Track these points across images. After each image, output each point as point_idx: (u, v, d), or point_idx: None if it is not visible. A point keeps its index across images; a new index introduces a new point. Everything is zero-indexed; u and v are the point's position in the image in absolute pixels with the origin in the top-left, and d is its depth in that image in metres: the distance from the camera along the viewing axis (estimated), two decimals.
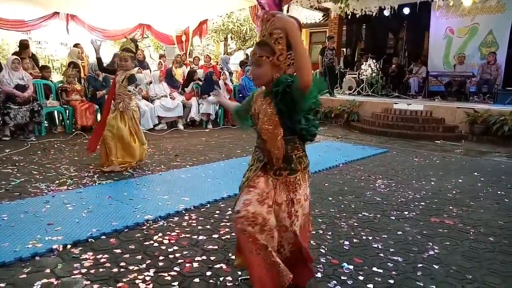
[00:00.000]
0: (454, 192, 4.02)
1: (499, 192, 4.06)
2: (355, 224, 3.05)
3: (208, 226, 2.89)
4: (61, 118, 7.05)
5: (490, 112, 7.26)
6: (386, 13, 10.36)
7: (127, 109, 4.36)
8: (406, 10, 10.67)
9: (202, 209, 3.25)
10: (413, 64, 10.65)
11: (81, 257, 2.33)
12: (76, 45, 8.89)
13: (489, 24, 9.76)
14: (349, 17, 11.28)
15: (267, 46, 1.61)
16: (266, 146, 1.72)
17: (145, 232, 2.75)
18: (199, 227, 2.86)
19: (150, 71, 8.72)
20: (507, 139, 6.85)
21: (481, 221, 3.20)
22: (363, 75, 10.83)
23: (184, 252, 2.45)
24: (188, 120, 8.19)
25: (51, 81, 7.13)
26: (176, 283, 2.08)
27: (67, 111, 6.81)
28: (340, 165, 5.07)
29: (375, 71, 10.72)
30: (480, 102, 8.72)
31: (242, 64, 10.39)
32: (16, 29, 9.27)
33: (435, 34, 10.82)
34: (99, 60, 4.51)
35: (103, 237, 2.63)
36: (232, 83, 9.27)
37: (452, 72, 9.73)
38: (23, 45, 7.55)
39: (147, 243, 2.58)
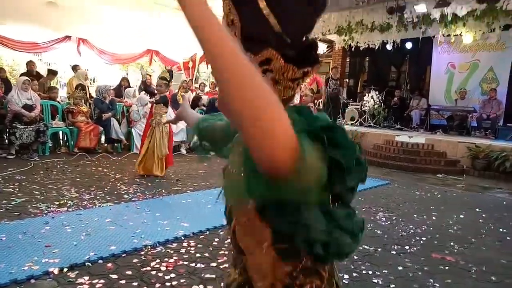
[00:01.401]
0: (455, 227, 3.98)
1: (501, 230, 4.02)
2: (355, 257, 3.01)
3: (207, 254, 2.86)
4: (65, 139, 7.12)
5: (491, 148, 7.28)
6: (389, 47, 10.59)
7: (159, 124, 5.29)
8: (409, 45, 10.92)
9: (201, 236, 3.23)
10: (413, 96, 10.79)
11: (77, 281, 2.30)
12: (75, 66, 9.07)
13: (490, 61, 9.95)
14: (353, 49, 11.53)
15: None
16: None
17: (143, 258, 2.72)
18: (198, 255, 2.84)
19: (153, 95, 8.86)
20: (509, 175, 6.83)
21: (483, 259, 3.15)
22: (366, 106, 10.95)
23: (181, 280, 2.42)
24: (191, 145, 8.23)
25: (58, 102, 7.26)
26: None
27: (72, 132, 6.89)
28: None
29: (378, 102, 10.84)
30: (482, 137, 8.75)
31: None
32: (28, 51, 9.53)
33: (437, 69, 11.02)
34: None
35: (100, 261, 2.61)
36: None
37: (454, 107, 9.83)
38: (52, 72, 7.96)
39: (144, 269, 2.55)
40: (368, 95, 11.02)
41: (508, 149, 7.02)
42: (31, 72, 7.93)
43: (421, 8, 8.62)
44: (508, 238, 3.77)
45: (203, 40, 0.47)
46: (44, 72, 9.14)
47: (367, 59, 13.36)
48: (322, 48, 14.78)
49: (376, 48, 10.73)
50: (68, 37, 9.61)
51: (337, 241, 0.64)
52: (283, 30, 0.65)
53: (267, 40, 0.65)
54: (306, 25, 0.69)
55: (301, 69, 0.69)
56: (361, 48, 11.09)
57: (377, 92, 10.95)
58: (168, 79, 5.46)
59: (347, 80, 13.08)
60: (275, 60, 0.66)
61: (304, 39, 0.69)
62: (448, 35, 9.57)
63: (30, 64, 8.10)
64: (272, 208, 0.65)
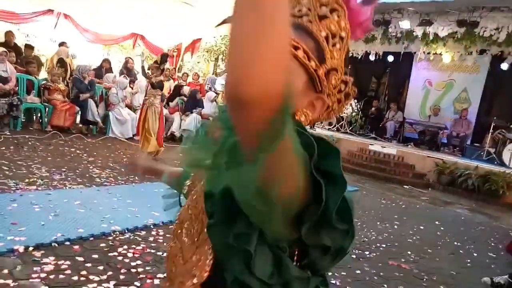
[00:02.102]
0: (414, 238, 4.20)
1: (455, 243, 4.27)
2: None
3: None
4: (39, 115, 6.94)
5: (457, 165, 7.64)
6: (372, 57, 10.87)
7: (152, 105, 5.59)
8: (390, 58, 11.23)
9: (170, 226, 3.27)
10: (390, 108, 11.14)
11: (42, 261, 2.31)
12: (62, 44, 8.82)
13: (464, 82, 10.39)
14: None
15: (309, 36, 0.62)
16: None
17: (110, 243, 2.75)
18: (165, 244, 2.89)
19: (134, 81, 8.75)
20: (470, 192, 7.21)
21: (435, 269, 3.36)
22: (344, 113, 11.21)
23: (147, 268, 2.47)
24: (169, 134, 8.21)
25: (35, 77, 7.06)
26: None
27: (46, 109, 6.72)
28: None
29: (356, 110, 11.12)
30: (450, 154, 9.15)
31: None
32: (7, 20, 9.17)
33: (414, 84, 11.40)
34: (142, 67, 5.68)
35: (67, 243, 2.62)
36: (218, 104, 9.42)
37: (427, 122, 10.22)
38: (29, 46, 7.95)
39: (111, 254, 2.58)
40: None
41: (472, 168, 7.39)
42: (8, 44, 7.66)
43: (405, 24, 8.91)
44: (461, 251, 4.02)
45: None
46: (21, 44, 8.84)
47: (349, 67, 13.57)
48: None
49: (359, 57, 10.99)
50: (50, 11, 9.30)
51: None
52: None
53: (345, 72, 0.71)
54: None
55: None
56: None
57: (356, 100, 11.22)
58: (159, 62, 5.70)
59: None
60: (349, 85, 0.72)
61: None
62: (428, 53, 9.92)
63: (9, 34, 7.80)
64: (218, 222, 0.54)
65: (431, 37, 9.17)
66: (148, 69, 5.93)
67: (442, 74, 10.79)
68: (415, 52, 10.29)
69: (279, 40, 0.37)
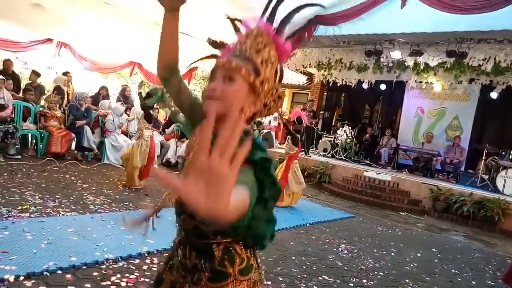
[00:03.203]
0: (411, 265, 4.16)
1: (453, 271, 4.23)
2: (315, 287, 3.10)
3: None
4: (34, 142, 6.93)
5: (452, 191, 7.66)
6: (365, 86, 11.11)
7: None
8: (383, 86, 11.48)
9: (165, 254, 3.22)
10: (385, 134, 11.28)
11: None
12: (65, 73, 8.98)
13: (456, 110, 10.61)
14: (331, 84, 12.00)
15: (249, 62, 1.03)
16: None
17: (104, 272, 2.70)
18: None
19: (131, 108, 8.82)
20: (465, 219, 7.20)
21: None
22: (339, 139, 11.31)
23: None
24: (164, 160, 8.20)
25: (32, 104, 7.10)
26: None
27: (42, 135, 6.72)
28: (307, 224, 5.16)
29: (350, 137, 11.23)
30: (444, 180, 9.20)
31: None
32: (7, 48, 9.31)
33: (407, 112, 11.60)
34: (140, 94, 5.20)
35: (59, 271, 2.56)
36: None
37: (420, 149, 10.32)
38: (35, 73, 8.15)
39: (103, 283, 2.53)
40: (342, 129, 11.41)
41: (466, 194, 7.42)
42: (6, 71, 7.75)
43: (396, 55, 9.18)
44: (459, 279, 3.98)
45: (225, 216, 0.64)
46: (18, 71, 8.94)
47: (343, 95, 13.89)
48: (302, 79, 15.28)
49: (353, 86, 11.24)
50: (49, 40, 9.49)
51: (256, 233, 0.96)
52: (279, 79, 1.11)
53: (279, 82, 1.10)
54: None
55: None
56: (338, 84, 11.58)
57: (350, 127, 11.36)
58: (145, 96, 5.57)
59: (323, 112, 13.52)
60: (281, 93, 1.09)
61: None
62: (420, 82, 10.18)
63: (7, 62, 7.91)
64: None
65: (421, 67, 9.44)
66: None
67: (434, 102, 11.02)
68: (406, 81, 10.56)
69: (232, 214, 0.66)
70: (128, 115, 8.16)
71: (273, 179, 0.93)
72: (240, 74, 1.01)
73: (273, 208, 0.99)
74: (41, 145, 6.71)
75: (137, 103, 9.94)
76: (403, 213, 7.44)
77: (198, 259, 1.01)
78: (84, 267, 2.70)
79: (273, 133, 11.63)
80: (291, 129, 6.01)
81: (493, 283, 3.98)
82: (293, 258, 3.70)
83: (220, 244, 0.99)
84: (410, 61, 9.36)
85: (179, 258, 1.08)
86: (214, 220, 0.61)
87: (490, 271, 4.43)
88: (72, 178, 5.51)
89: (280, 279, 3.12)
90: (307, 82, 14.90)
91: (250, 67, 1.02)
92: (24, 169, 5.48)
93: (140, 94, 5.25)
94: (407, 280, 3.64)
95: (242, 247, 1.01)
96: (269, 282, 3.00)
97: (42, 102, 7.19)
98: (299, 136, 6.21)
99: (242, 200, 0.73)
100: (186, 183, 0.57)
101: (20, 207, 3.73)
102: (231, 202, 0.60)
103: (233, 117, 0.58)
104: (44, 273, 2.49)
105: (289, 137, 6.07)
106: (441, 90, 10.09)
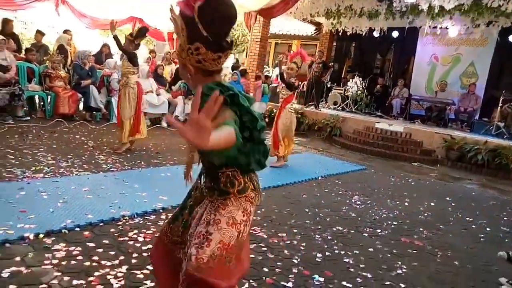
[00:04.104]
0: (425, 214, 4.16)
1: (467, 218, 4.22)
2: (329, 237, 3.12)
3: None
4: (42, 103, 6.89)
5: (466, 140, 7.53)
6: (376, 34, 10.62)
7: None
8: (395, 34, 10.98)
9: None
10: (397, 84, 10.95)
11: (53, 248, 2.29)
12: (66, 31, 8.72)
13: (471, 56, 10.16)
14: (340, 33, 11.51)
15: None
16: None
17: (121, 228, 2.73)
18: None
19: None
20: (479, 167, 7.12)
21: (448, 245, 3.32)
22: (349, 91, 11.04)
23: None
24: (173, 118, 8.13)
25: (35, 64, 6.96)
26: (148, 282, 2.08)
27: (49, 96, 6.66)
28: (319, 178, 5.15)
29: (361, 89, 10.95)
30: (458, 130, 9.04)
31: (234, 68, 10.45)
32: (3, 7, 8.99)
33: (420, 60, 11.17)
34: (115, 37, 4.74)
35: (77, 229, 2.60)
36: None
37: (434, 98, 10.05)
38: (40, 32, 7.85)
39: (121, 239, 2.56)
40: (352, 81, 11.10)
41: (481, 143, 7.29)
42: (6, 31, 7.53)
43: None
44: (473, 226, 3.98)
45: (214, 146, 0.97)
46: (18, 32, 8.71)
47: (354, 45, 13.38)
48: (309, 29, 14.69)
49: (363, 34, 10.74)
50: None
51: (249, 159, 1.33)
52: (207, 33, 1.21)
53: (197, 39, 1.22)
54: (221, 31, 1.25)
55: (216, 53, 1.25)
56: (348, 33, 11.08)
57: (361, 79, 11.04)
58: (134, 36, 4.85)
59: (332, 63, 13.12)
60: (201, 49, 1.23)
61: (224, 37, 1.27)
62: (434, 27, 9.66)
63: (7, 21, 7.65)
64: None
65: (436, 10, 8.89)
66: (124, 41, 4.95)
67: (448, 48, 10.55)
68: (420, 27, 10.01)
69: (224, 145, 1.03)
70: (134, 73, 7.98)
71: (246, 109, 1.26)
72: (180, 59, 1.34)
73: (259, 136, 1.33)
74: (48, 107, 6.68)
75: (141, 61, 9.71)
76: (416, 164, 7.39)
77: (211, 182, 1.41)
78: (101, 224, 2.73)
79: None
80: (284, 76, 5.41)
81: (508, 229, 3.98)
82: (307, 210, 3.71)
83: (224, 173, 1.37)
84: (424, 5, 8.79)
85: (201, 183, 1.51)
86: (202, 149, 1.00)
87: (505, 218, 4.42)
88: (82, 138, 5.51)
89: (295, 230, 3.14)
90: (315, 32, 14.34)
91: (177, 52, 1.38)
92: (34, 131, 5.48)
93: (115, 37, 4.74)
94: (421, 229, 3.65)
95: (240, 174, 1.38)
96: (284, 234, 3.02)
97: (46, 63, 7.04)
98: (298, 83, 5.57)
99: (229, 134, 1.05)
100: (185, 128, 0.90)
101: (33, 168, 3.75)
102: (220, 137, 1.00)
103: (213, 96, 0.91)
104: (63, 230, 2.52)
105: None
106: (456, 35, 9.59)
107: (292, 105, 5.54)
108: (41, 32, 8.39)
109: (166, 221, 1.72)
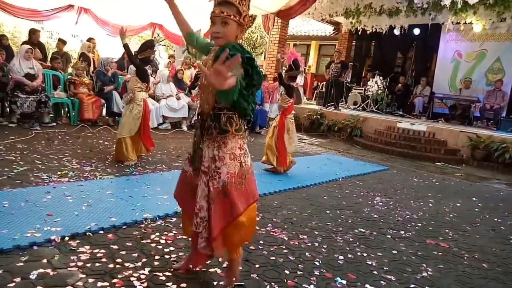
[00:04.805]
0: (451, 215, 4.04)
1: (495, 219, 4.07)
2: (351, 239, 3.07)
3: None
4: (67, 109, 7.10)
5: (492, 139, 7.28)
6: (396, 32, 10.44)
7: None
8: (416, 31, 10.76)
9: None
10: (420, 83, 10.69)
11: (78, 250, 2.35)
12: (89, 40, 8.99)
13: (497, 51, 9.84)
14: (359, 32, 11.37)
15: (232, 6, 1.73)
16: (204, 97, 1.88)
17: (143, 231, 2.77)
18: None
19: (156, 71, 8.78)
20: (507, 166, 6.87)
21: (476, 247, 3.21)
22: (369, 91, 10.89)
23: (180, 254, 2.47)
24: (192, 121, 8.23)
25: (60, 72, 7.19)
26: (170, 284, 2.10)
27: (73, 103, 6.86)
28: (340, 179, 5.09)
29: (381, 88, 10.77)
30: (483, 128, 8.75)
31: None
32: (29, 18, 9.35)
33: (443, 57, 10.90)
34: (125, 46, 4.29)
35: (101, 232, 2.65)
36: None
37: (458, 96, 9.78)
38: (62, 41, 8.28)
39: (144, 241, 2.60)
40: (372, 80, 10.94)
41: (509, 141, 7.03)
42: (33, 41, 7.82)
43: None
44: (502, 227, 3.83)
45: (227, 87, 1.38)
46: (44, 41, 9.02)
47: (373, 44, 13.18)
48: (328, 29, 14.57)
49: (383, 32, 10.58)
50: (70, 6, 9.41)
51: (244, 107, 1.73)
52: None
53: (248, 9, 1.79)
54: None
55: (251, 16, 1.81)
56: (368, 32, 10.93)
57: (381, 78, 10.86)
58: (137, 51, 4.54)
59: (351, 63, 12.96)
60: (251, 16, 1.81)
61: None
62: (458, 23, 9.40)
63: (34, 31, 7.93)
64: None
65: (459, 6, 8.64)
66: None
67: (473, 44, 10.26)
68: (443, 23, 9.77)
69: (230, 85, 1.40)
70: (154, 78, 8.14)
71: (257, 69, 1.68)
72: (230, 19, 1.72)
73: (255, 93, 1.78)
74: (73, 113, 6.87)
75: (161, 66, 9.88)
76: (440, 164, 7.20)
77: (212, 122, 1.83)
78: (124, 227, 2.78)
79: (301, 89, 11.33)
80: (283, 77, 4.83)
81: None
82: (328, 212, 3.67)
83: (225, 114, 1.81)
84: (446, 1, 8.58)
85: (199, 122, 1.92)
86: (219, 89, 1.37)
87: None
88: (106, 143, 5.65)
89: (316, 233, 3.11)
90: (333, 32, 14.22)
91: (234, 10, 1.73)
92: (59, 136, 5.65)
93: (125, 45, 4.24)
94: (446, 230, 3.54)
95: (237, 117, 1.83)
96: (305, 236, 3.00)
97: (70, 70, 7.26)
98: (294, 84, 4.89)
99: (233, 78, 1.38)
100: (211, 73, 1.30)
101: (59, 173, 3.87)
102: (230, 84, 1.36)
103: (236, 57, 1.29)
104: (87, 233, 2.58)
105: (293, 86, 4.92)
106: (481, 30, 9.30)
107: (291, 114, 5.01)
108: (63, 41, 8.66)
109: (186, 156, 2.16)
